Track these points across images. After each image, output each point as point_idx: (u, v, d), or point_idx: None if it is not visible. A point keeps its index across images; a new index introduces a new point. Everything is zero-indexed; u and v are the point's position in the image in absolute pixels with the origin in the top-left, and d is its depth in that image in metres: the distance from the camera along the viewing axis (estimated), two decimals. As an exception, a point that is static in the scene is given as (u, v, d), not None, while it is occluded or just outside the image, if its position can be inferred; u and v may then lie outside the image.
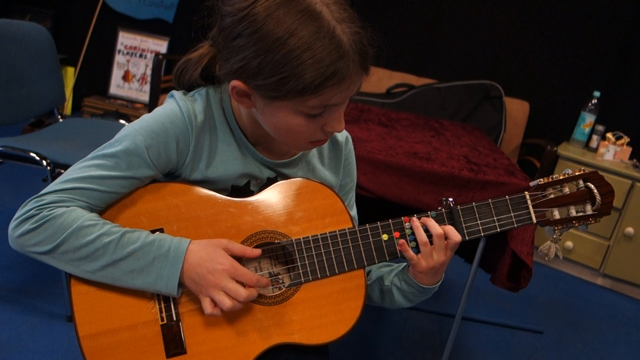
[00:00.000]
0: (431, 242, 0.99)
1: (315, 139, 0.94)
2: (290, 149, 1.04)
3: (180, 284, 0.90)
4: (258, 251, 0.92)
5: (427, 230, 1.00)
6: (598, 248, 3.00)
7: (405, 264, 1.06)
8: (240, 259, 0.95)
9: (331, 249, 0.98)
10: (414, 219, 1.01)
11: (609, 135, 3.09)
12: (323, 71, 0.81)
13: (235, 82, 0.88)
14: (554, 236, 1.06)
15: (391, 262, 1.09)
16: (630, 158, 3.09)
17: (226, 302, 0.88)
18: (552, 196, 1.04)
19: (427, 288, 1.03)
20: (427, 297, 1.07)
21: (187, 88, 1.00)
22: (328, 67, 0.81)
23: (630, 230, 2.89)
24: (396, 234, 1.00)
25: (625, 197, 2.90)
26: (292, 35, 0.80)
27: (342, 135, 1.12)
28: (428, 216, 1.01)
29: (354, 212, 1.16)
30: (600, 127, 3.14)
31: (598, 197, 1.03)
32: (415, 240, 1.00)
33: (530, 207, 1.03)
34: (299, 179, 1.01)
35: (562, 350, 2.37)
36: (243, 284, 0.90)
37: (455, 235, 0.99)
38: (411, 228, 1.00)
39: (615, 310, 2.85)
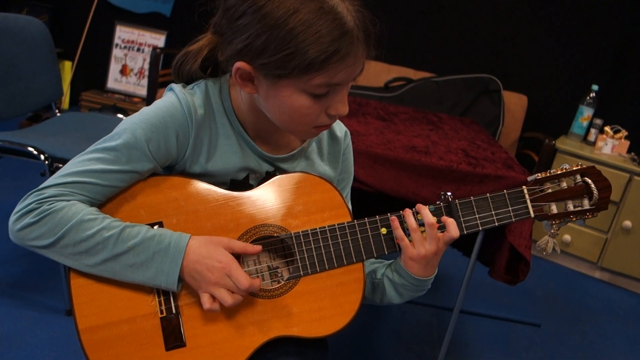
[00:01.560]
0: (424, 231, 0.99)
1: (319, 124, 0.93)
2: (294, 135, 1.03)
3: (180, 279, 0.90)
4: (259, 247, 0.92)
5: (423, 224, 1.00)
6: (596, 241, 3.00)
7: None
8: (240, 256, 0.96)
9: (330, 242, 0.98)
10: (407, 209, 1.01)
11: (607, 128, 3.10)
12: (327, 46, 0.82)
13: (239, 64, 0.88)
14: (552, 231, 1.07)
15: (385, 260, 1.09)
16: (628, 151, 3.10)
17: (227, 299, 0.88)
18: (549, 191, 1.04)
19: (419, 280, 1.01)
20: (419, 294, 1.05)
21: (186, 81, 1.00)
22: (332, 43, 0.82)
23: (628, 223, 2.90)
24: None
25: (623, 190, 2.90)
26: (296, 11, 0.81)
27: (341, 130, 1.12)
28: (432, 213, 1.01)
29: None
30: (598, 121, 3.15)
31: (595, 192, 1.04)
32: (413, 232, 1.00)
33: (528, 201, 1.03)
34: (298, 173, 1.01)
35: (560, 344, 2.38)
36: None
37: (454, 230, 0.98)
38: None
39: (613, 303, 2.86)
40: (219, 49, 0.93)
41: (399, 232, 0.99)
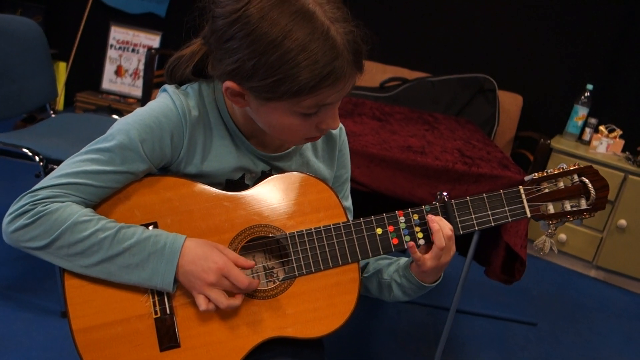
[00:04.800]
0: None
1: (310, 136, 0.94)
2: (285, 143, 1.04)
3: (176, 280, 0.90)
4: (252, 263, 0.92)
5: (428, 231, 0.99)
6: (591, 240, 3.01)
7: (406, 260, 1.06)
8: None
9: (325, 242, 0.98)
10: (432, 217, 0.99)
11: (601, 128, 3.10)
12: (318, 72, 0.81)
13: (228, 84, 0.87)
14: (549, 230, 1.06)
15: (388, 255, 1.09)
16: (623, 151, 3.11)
17: (222, 301, 0.88)
18: (546, 190, 1.04)
19: (428, 286, 1.04)
20: (425, 292, 1.07)
21: (179, 83, 1.00)
22: (323, 68, 0.81)
23: (623, 222, 2.91)
24: (390, 228, 1.00)
25: (618, 189, 2.91)
26: (286, 36, 0.80)
27: (336, 128, 1.12)
28: (429, 212, 1.01)
29: (348, 202, 1.16)
30: (593, 120, 3.15)
31: (593, 191, 1.03)
32: (409, 234, 1.00)
33: (525, 201, 1.03)
34: (294, 173, 1.01)
35: (556, 342, 2.38)
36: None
37: (445, 228, 0.98)
38: (405, 222, 1.00)
39: (608, 302, 2.87)
40: (210, 61, 0.93)
41: (417, 255, 0.98)
